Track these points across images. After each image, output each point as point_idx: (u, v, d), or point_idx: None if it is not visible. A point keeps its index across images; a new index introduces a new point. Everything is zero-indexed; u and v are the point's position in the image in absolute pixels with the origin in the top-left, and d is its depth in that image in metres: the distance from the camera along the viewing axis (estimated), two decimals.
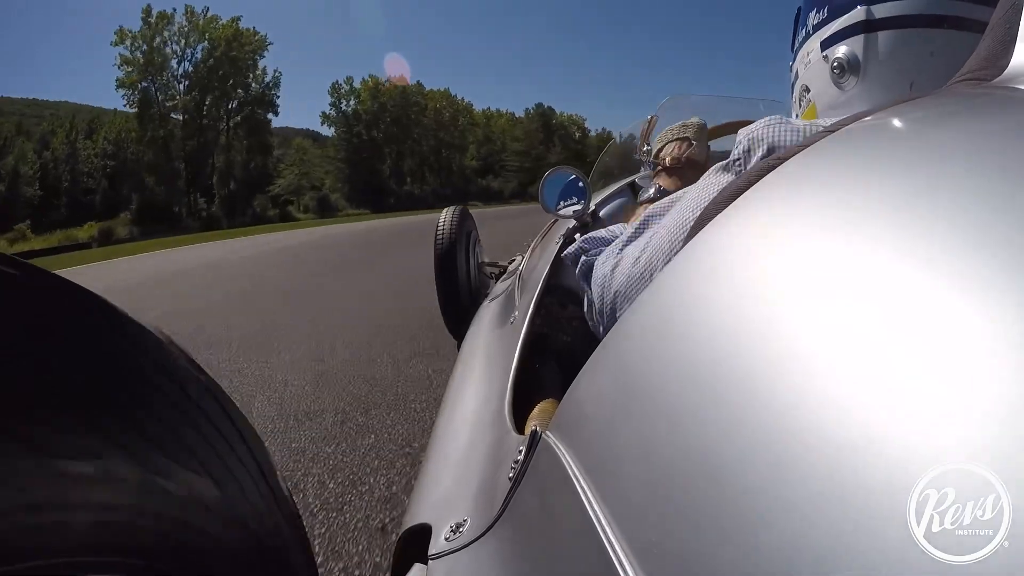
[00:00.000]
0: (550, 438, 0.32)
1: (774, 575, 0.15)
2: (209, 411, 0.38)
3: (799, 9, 0.58)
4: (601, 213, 1.09)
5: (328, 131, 34.64)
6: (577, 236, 1.05)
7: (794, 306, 0.20)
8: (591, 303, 0.60)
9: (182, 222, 26.22)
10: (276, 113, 30.78)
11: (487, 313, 1.18)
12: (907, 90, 0.47)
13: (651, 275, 0.48)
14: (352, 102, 34.52)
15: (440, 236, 1.81)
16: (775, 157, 0.34)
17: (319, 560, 0.91)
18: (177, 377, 0.36)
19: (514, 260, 1.87)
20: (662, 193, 0.82)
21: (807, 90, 0.56)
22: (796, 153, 0.31)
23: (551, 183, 1.03)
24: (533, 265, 1.15)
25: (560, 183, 1.03)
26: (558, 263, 0.98)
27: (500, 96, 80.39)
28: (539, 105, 42.57)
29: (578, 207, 1.01)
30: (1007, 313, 0.14)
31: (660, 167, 0.89)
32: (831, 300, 0.19)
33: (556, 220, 1.23)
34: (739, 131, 0.47)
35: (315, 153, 33.64)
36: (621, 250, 0.55)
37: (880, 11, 0.47)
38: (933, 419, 0.14)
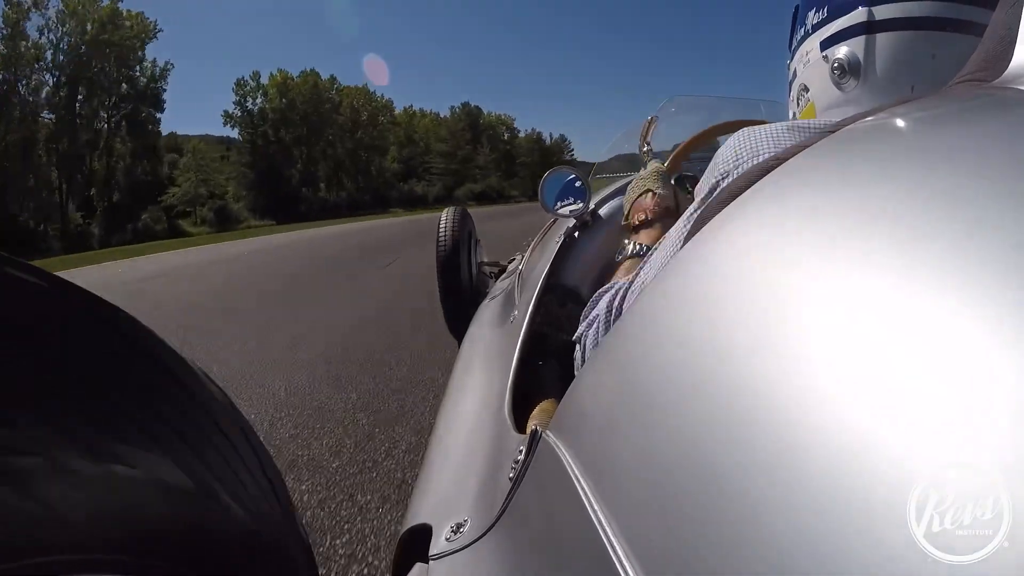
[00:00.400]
0: (550, 438, 0.32)
1: (774, 574, 0.15)
2: (210, 409, 0.38)
3: (797, 7, 0.57)
4: (601, 212, 1.09)
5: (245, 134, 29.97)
6: (576, 235, 1.05)
7: (794, 306, 0.20)
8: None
9: (46, 242, 20.10)
10: (161, 110, 25.76)
11: (487, 312, 1.18)
12: (908, 92, 0.47)
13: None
14: (259, 99, 30.35)
15: (442, 236, 1.84)
16: (774, 158, 0.34)
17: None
18: (179, 377, 0.36)
19: (514, 259, 1.88)
20: (644, 251, 0.76)
21: (805, 89, 0.56)
22: (795, 154, 0.31)
23: (550, 183, 1.03)
24: (533, 264, 1.15)
25: (559, 183, 1.03)
26: (558, 262, 0.98)
27: (423, 95, 76.31)
28: (465, 104, 39.49)
29: (577, 207, 1.02)
30: (1009, 314, 0.14)
31: (633, 228, 0.83)
32: (831, 301, 0.19)
33: (556, 219, 1.23)
34: (712, 162, 0.46)
35: (214, 156, 29.11)
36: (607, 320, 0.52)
37: (882, 12, 0.47)
38: (933, 419, 0.14)
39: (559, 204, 1.03)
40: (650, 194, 0.82)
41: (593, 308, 0.57)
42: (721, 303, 0.23)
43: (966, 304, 0.15)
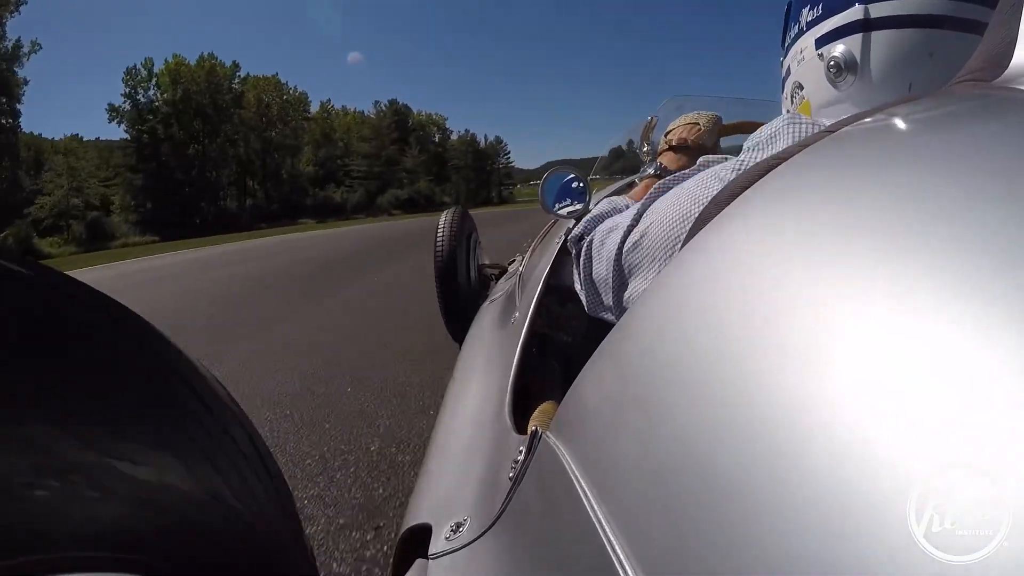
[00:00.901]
0: (550, 438, 0.32)
1: (774, 574, 0.15)
2: (215, 410, 0.38)
3: (790, 4, 0.57)
4: None
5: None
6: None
7: (794, 307, 0.20)
8: (590, 282, 0.61)
9: None
10: (15, 98, 20.23)
11: (488, 314, 1.18)
12: (906, 91, 0.47)
13: (655, 264, 0.49)
14: (151, 91, 25.74)
15: (440, 238, 1.82)
16: (775, 157, 0.34)
17: None
18: (186, 377, 0.36)
19: (514, 261, 1.88)
20: (663, 171, 0.84)
21: (800, 87, 0.55)
22: (796, 153, 0.31)
23: (550, 183, 1.03)
24: (533, 265, 1.15)
25: (559, 183, 1.03)
26: (559, 263, 0.98)
27: (344, 92, 71.38)
28: (393, 101, 35.49)
29: (578, 207, 1.02)
30: (1008, 315, 0.14)
31: (667, 146, 0.89)
32: (831, 301, 0.19)
33: (556, 220, 1.23)
34: (758, 130, 0.46)
35: (90, 159, 24.72)
36: (627, 229, 0.55)
37: (878, 10, 0.46)
38: (933, 419, 0.14)
39: (559, 205, 1.03)
40: (696, 126, 0.87)
41: (604, 214, 0.64)
42: (721, 303, 0.23)
43: (968, 304, 0.15)
